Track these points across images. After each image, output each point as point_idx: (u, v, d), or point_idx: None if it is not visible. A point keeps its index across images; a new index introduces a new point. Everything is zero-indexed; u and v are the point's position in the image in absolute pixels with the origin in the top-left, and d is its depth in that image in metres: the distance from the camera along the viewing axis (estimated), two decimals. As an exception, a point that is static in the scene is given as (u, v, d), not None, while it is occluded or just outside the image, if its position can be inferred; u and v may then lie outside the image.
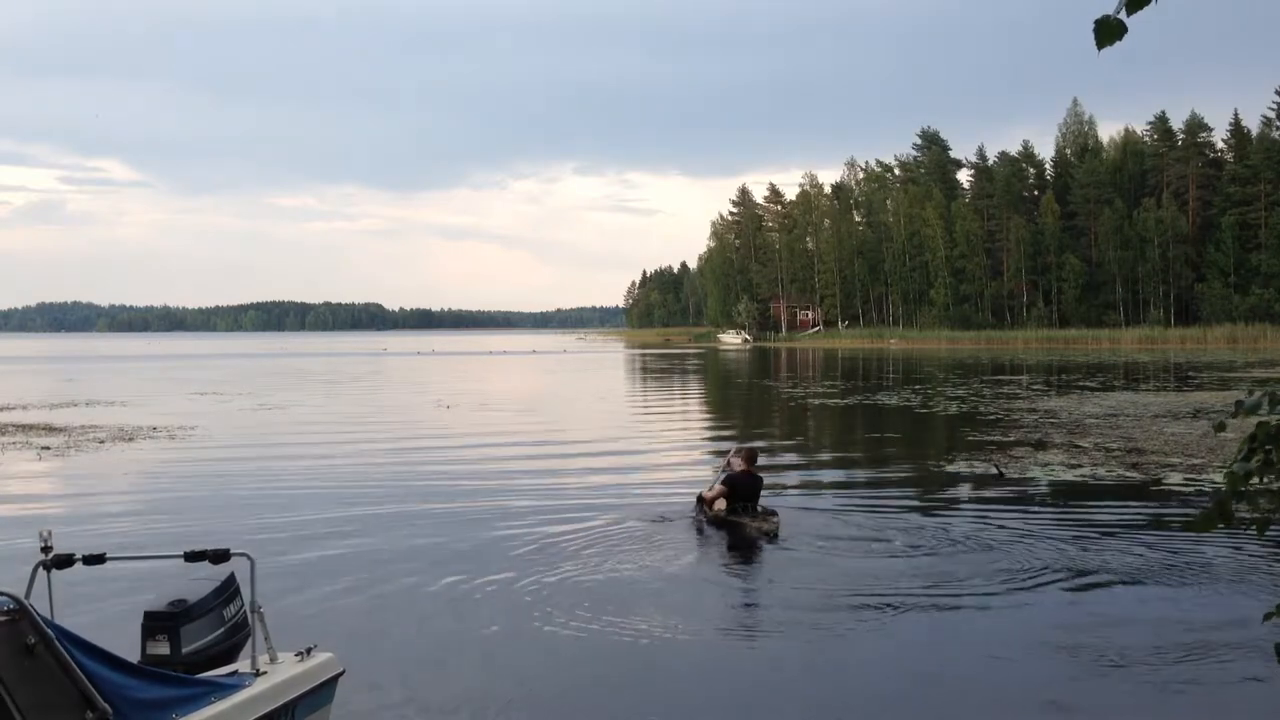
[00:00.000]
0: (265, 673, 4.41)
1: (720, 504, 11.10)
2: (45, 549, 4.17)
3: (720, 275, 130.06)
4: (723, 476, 11.46)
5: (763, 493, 11.50)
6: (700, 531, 10.95)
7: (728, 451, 12.65)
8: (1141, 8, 2.50)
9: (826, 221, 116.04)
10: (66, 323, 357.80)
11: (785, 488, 13.87)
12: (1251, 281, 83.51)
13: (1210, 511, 2.91)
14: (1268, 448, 2.87)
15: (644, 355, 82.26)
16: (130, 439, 20.70)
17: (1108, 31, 2.52)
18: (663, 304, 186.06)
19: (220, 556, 4.52)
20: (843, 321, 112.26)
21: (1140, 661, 6.62)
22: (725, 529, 10.81)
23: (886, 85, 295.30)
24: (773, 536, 10.41)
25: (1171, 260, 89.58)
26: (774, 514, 11.01)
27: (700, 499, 11.52)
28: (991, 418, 23.32)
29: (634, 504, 12.52)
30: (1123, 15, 2.50)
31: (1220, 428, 3.17)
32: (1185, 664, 6.57)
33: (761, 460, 17.09)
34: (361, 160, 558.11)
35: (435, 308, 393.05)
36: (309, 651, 4.73)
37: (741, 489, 11.22)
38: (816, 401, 30.66)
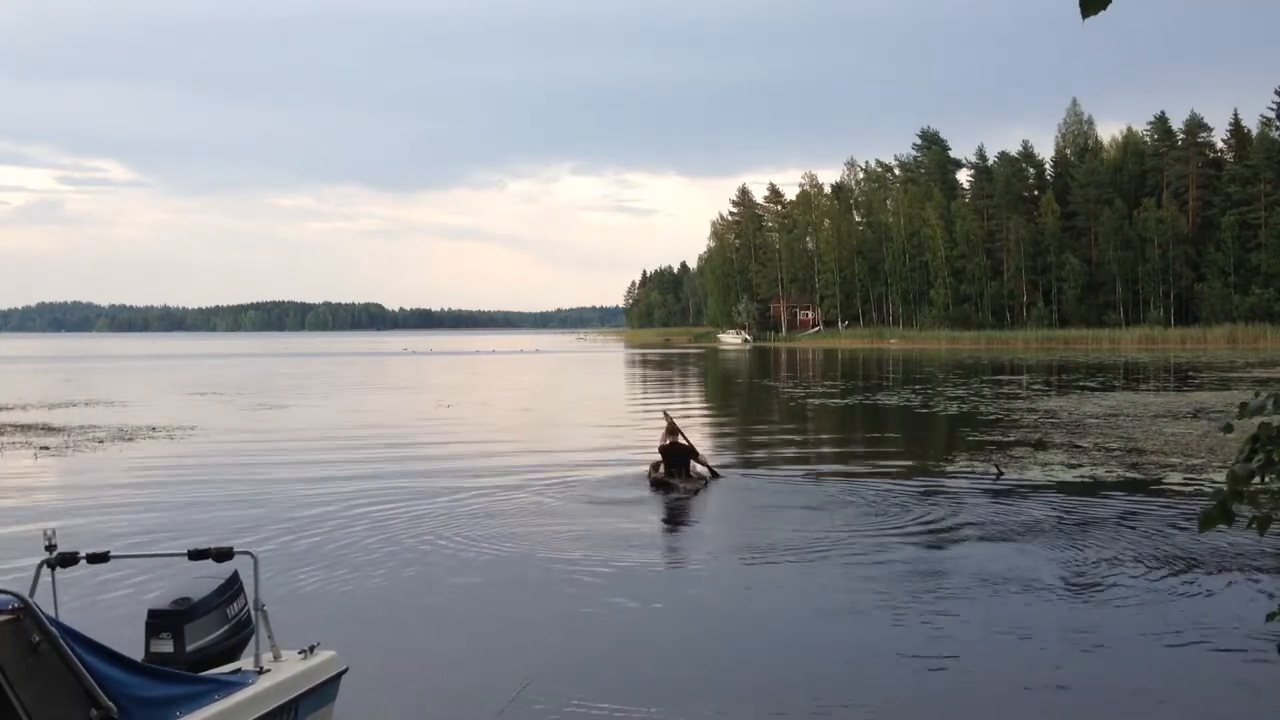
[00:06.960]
0: (268, 670, 4.42)
1: (659, 470, 13.72)
2: (49, 548, 4.18)
3: (720, 275, 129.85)
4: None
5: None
6: (657, 491, 13.44)
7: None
8: None
9: (826, 221, 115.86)
10: (66, 323, 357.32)
11: (784, 486, 13.90)
12: (1251, 281, 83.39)
13: (1212, 511, 2.92)
14: (1269, 448, 2.89)
15: (644, 355, 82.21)
16: (130, 439, 20.71)
17: (1092, 1, 2.53)
18: (663, 304, 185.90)
19: (224, 555, 4.53)
20: (843, 321, 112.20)
21: (1141, 662, 6.63)
22: (662, 491, 13.45)
23: (886, 85, 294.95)
24: (696, 494, 13.13)
25: (1171, 260, 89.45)
26: (702, 478, 13.76)
27: (651, 467, 14.31)
28: (991, 418, 23.33)
29: (631, 499, 12.65)
30: None
31: (1228, 429, 3.19)
32: (1187, 665, 6.58)
33: (761, 458, 17.22)
34: (360, 160, 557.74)
35: (435, 308, 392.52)
36: (312, 649, 4.75)
37: (669, 456, 13.84)
38: (816, 401, 30.66)
